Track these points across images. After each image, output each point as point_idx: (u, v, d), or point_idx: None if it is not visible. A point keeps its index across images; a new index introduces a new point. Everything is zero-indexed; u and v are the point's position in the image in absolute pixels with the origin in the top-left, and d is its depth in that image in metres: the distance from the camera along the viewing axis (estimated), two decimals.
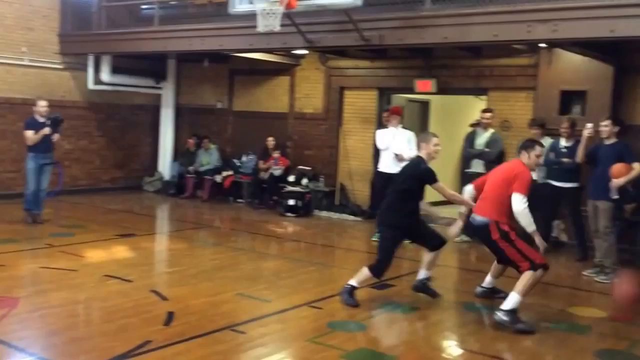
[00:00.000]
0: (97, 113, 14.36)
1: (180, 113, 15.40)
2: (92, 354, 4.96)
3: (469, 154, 10.10)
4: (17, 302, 6.15)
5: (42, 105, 9.98)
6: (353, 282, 6.56)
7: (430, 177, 6.46)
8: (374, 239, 9.62)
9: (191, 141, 14.59)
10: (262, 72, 13.92)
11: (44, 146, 9.91)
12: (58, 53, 13.62)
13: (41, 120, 9.96)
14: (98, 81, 13.89)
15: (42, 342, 5.27)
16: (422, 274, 6.88)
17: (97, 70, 13.84)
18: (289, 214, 12.23)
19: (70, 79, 13.86)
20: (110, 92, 14.11)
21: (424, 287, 6.88)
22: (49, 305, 6.16)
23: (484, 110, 10.21)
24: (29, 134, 9.87)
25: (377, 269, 6.52)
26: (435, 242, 6.77)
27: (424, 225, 6.88)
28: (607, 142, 8.03)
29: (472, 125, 10.64)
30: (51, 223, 10.17)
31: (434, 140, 6.56)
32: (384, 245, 6.57)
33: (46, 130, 9.83)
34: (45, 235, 9.32)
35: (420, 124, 13.27)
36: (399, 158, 9.32)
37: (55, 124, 9.95)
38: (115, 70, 13.94)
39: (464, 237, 9.98)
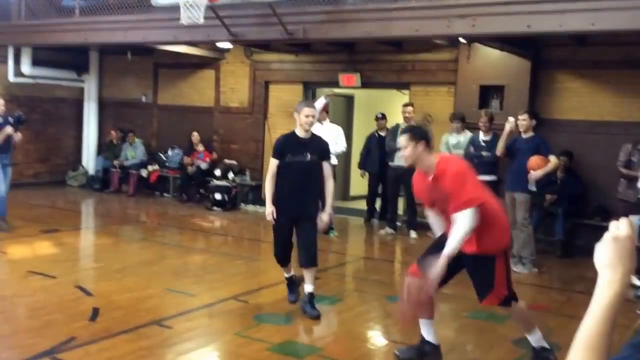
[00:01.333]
0: (19, 106, 13.87)
1: (103, 106, 15.14)
2: (16, 351, 4.90)
3: (390, 148, 10.29)
4: None
5: (1, 104, 9.20)
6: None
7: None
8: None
9: (114, 133, 14.39)
10: (187, 65, 13.84)
11: (4, 146, 9.17)
12: None
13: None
14: (19, 73, 13.51)
15: None
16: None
17: (17, 62, 13.45)
18: (215, 208, 12.24)
19: None
20: (31, 85, 13.74)
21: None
22: None
23: (405, 105, 10.43)
24: None
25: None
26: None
27: None
28: (525, 135, 8.32)
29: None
30: None
31: (306, 110, 5.99)
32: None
33: (9, 130, 9.10)
34: None
35: (345, 118, 13.46)
36: None
37: (18, 122, 9.31)
38: (36, 62, 13.58)
39: (389, 230, 10.23)
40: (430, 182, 4.64)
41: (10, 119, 9.23)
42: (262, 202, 12.48)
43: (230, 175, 12.81)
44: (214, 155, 13.24)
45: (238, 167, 13.03)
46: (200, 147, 13.13)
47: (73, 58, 14.47)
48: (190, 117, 13.85)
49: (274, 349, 5.22)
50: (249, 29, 9.91)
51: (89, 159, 14.89)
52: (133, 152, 13.97)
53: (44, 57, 13.70)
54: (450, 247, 4.39)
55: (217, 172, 12.87)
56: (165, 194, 13.59)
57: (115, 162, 13.95)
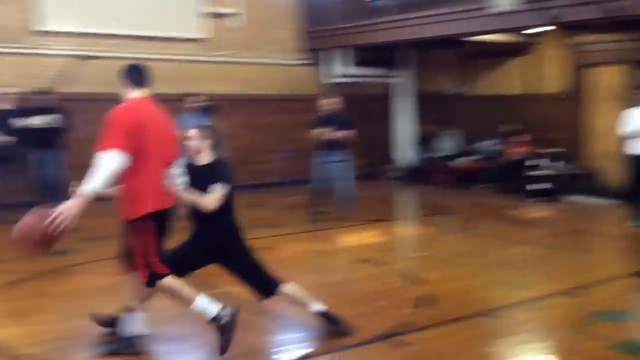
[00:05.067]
0: None
1: (416, 100, 15.46)
2: (353, 333, 5.12)
3: None
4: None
5: (327, 103, 9.71)
6: None
7: None
8: (630, 224, 8.96)
9: (429, 128, 14.61)
10: (496, 54, 13.54)
11: (329, 144, 9.66)
12: (300, 50, 14.39)
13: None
14: (335, 74, 14.40)
15: (304, 320, 5.54)
16: None
17: (334, 63, 14.36)
18: (534, 199, 11.75)
19: (310, 74, 14.54)
20: (346, 84, 14.56)
21: None
22: (308, 286, 6.47)
23: None
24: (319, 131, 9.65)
25: None
26: None
27: None
28: None
29: None
30: (303, 210, 10.66)
31: None
32: None
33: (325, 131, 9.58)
34: (301, 221, 9.87)
35: None
36: None
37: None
38: (352, 62, 14.36)
39: None
40: None
41: (339, 118, 9.68)
42: (584, 193, 11.71)
43: (549, 164, 12.19)
44: (529, 144, 12.73)
45: (556, 156, 12.35)
46: (515, 136, 12.73)
47: (384, 55, 14.99)
48: (501, 106, 13.52)
49: (616, 347, 4.79)
50: (564, 10, 9.35)
51: (404, 153, 15.33)
52: (447, 144, 14.06)
53: (357, 56, 14.39)
54: None
55: (535, 162, 12.34)
56: (480, 185, 13.42)
57: (430, 155, 14.16)
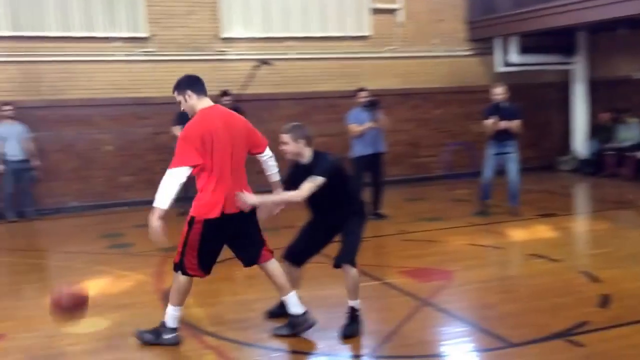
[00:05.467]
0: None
1: (593, 87, 14.57)
2: (529, 329, 4.96)
3: None
4: (451, 275, 6.52)
5: (496, 93, 9.33)
6: None
7: None
8: None
9: (605, 115, 13.76)
10: None
11: (504, 135, 9.29)
12: (466, 40, 14.11)
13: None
14: (506, 63, 13.96)
15: (477, 314, 5.49)
16: None
17: (504, 52, 13.93)
18: None
19: (478, 64, 14.21)
20: (517, 72, 14.04)
21: None
22: (479, 280, 6.39)
23: None
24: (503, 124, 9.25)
25: None
26: None
27: None
28: None
29: None
30: (469, 203, 10.47)
31: None
32: None
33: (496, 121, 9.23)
34: (467, 215, 9.69)
35: None
36: None
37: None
38: (523, 50, 13.85)
39: None
40: None
41: (508, 108, 9.37)
42: None
43: None
44: None
45: None
46: None
47: (559, 40, 14.31)
48: None
49: None
50: None
51: (579, 143, 14.55)
52: (628, 133, 13.16)
53: (530, 43, 13.85)
54: None
55: None
56: None
57: (609, 145, 13.33)
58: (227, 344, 4.81)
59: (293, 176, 4.96)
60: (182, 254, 4.67)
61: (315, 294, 5.70)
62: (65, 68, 11.32)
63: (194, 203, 4.67)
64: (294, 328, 4.91)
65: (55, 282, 7.02)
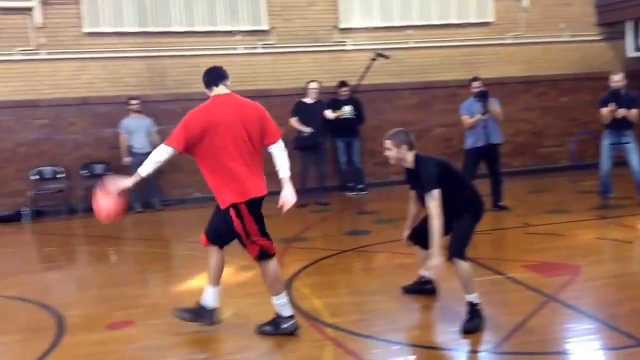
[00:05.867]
0: (635, 81, 13.61)
1: None
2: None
3: None
4: (578, 270, 6.23)
5: (616, 80, 8.78)
6: None
7: None
8: None
9: None
10: None
11: (619, 124, 8.78)
12: (595, 25, 13.42)
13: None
14: (637, 48, 13.16)
15: (605, 310, 5.19)
16: None
17: (636, 36, 13.13)
18: None
19: (608, 49, 13.50)
20: None
21: None
22: (607, 275, 6.09)
23: None
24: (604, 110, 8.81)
25: None
26: None
27: None
28: None
29: None
30: (596, 195, 9.91)
31: None
32: None
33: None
34: (593, 207, 9.21)
35: None
36: None
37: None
38: None
39: None
40: None
41: (627, 96, 8.82)
42: None
43: None
44: None
45: None
46: None
47: None
48: None
49: None
50: None
51: None
52: None
53: None
54: None
55: None
56: None
57: None
58: (346, 336, 4.81)
59: (408, 181, 5.22)
60: (253, 242, 4.74)
61: (440, 287, 5.61)
62: (189, 62, 11.70)
63: (219, 197, 4.77)
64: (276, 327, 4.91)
65: (179, 271, 7.31)
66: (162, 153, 4.77)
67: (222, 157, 4.68)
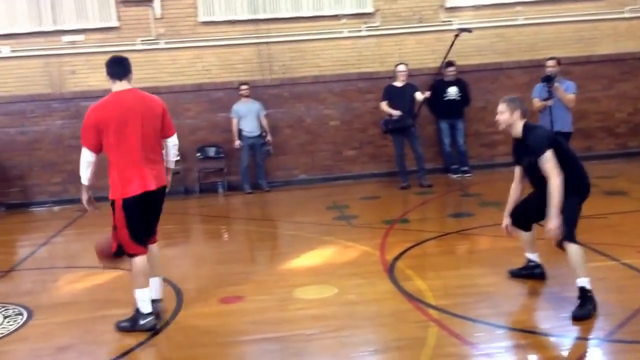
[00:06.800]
0: None
1: None
2: None
3: None
4: None
5: None
6: None
7: None
8: None
9: None
10: None
11: None
12: None
13: None
14: None
15: None
16: None
17: None
18: None
19: None
20: None
21: None
22: None
23: None
24: None
25: None
26: None
27: None
28: None
29: None
30: None
31: None
32: None
33: None
34: None
35: None
36: None
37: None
38: None
39: None
40: None
41: None
42: None
43: None
44: None
45: None
46: None
47: None
48: None
49: None
50: None
51: None
52: None
53: None
54: None
55: None
56: None
57: None
58: (451, 318, 4.79)
59: (514, 154, 5.17)
60: (116, 237, 4.91)
61: (548, 272, 5.47)
62: (295, 47, 11.88)
63: (111, 187, 4.87)
64: (134, 324, 4.93)
65: (284, 249, 7.49)
66: (84, 155, 4.88)
67: (117, 154, 4.82)
